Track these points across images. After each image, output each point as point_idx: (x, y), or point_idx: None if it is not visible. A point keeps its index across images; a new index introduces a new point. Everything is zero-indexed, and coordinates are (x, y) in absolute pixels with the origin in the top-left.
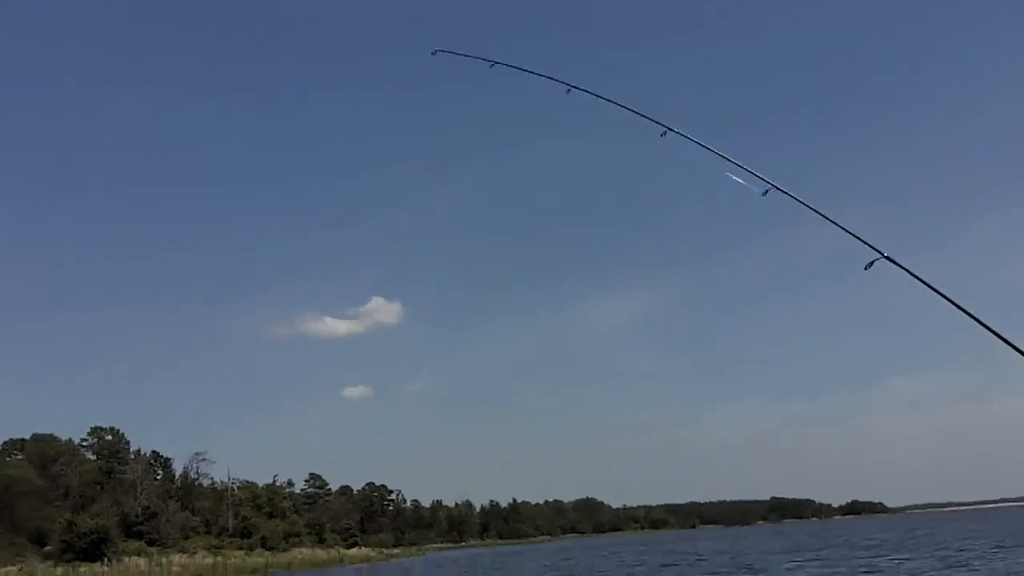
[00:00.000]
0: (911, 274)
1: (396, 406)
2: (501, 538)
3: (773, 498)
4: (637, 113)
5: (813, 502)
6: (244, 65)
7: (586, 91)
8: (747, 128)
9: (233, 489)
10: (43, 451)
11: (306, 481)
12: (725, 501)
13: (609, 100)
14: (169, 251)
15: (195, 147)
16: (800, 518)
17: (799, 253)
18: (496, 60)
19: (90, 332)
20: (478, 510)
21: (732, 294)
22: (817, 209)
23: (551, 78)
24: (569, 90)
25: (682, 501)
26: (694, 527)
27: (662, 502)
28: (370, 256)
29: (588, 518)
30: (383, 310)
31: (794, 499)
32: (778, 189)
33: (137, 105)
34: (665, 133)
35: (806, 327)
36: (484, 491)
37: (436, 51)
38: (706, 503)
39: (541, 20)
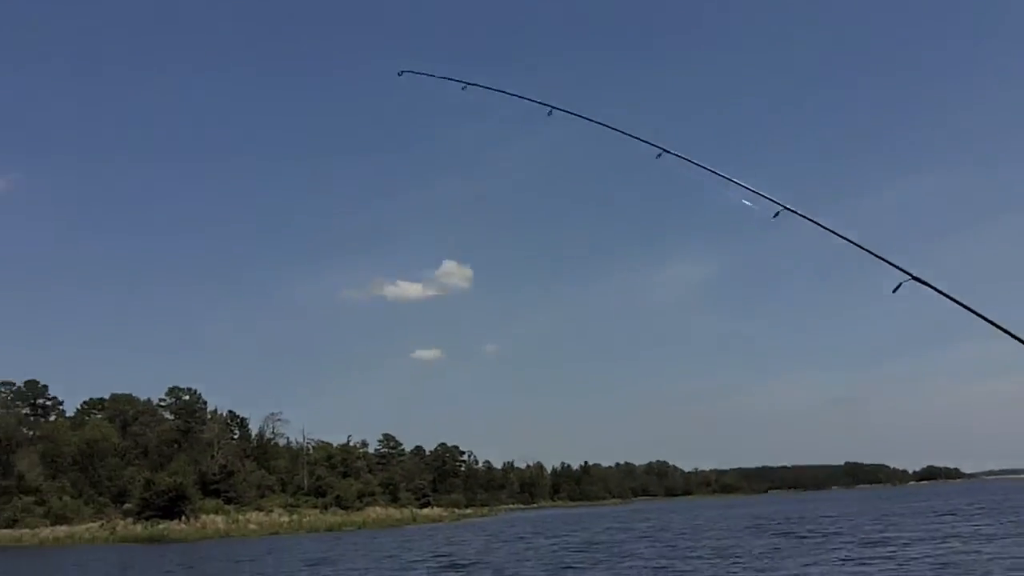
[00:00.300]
0: (941, 293)
1: (467, 369)
2: (572, 500)
3: (847, 463)
4: (628, 135)
5: (888, 467)
6: (302, 43)
7: (568, 112)
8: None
9: (308, 449)
10: (122, 411)
11: (379, 441)
12: (798, 466)
13: (595, 121)
14: (247, 217)
15: (274, 120)
16: (874, 483)
17: (874, 213)
18: (468, 81)
19: (167, 295)
20: (549, 472)
21: (806, 257)
22: (835, 231)
23: (530, 100)
24: (551, 112)
25: (754, 466)
26: (766, 492)
27: (734, 466)
28: (442, 220)
29: (659, 481)
30: (455, 274)
31: (868, 464)
32: (790, 211)
33: (225, 85)
34: (660, 155)
35: (881, 291)
36: (555, 453)
37: (402, 72)
38: (779, 468)
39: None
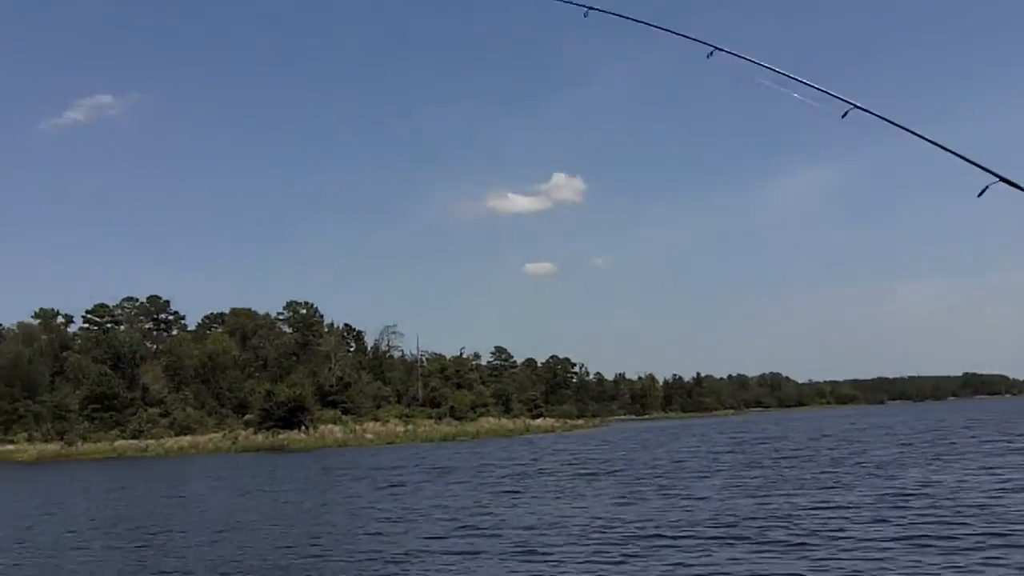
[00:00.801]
0: None
1: (579, 281)
2: (684, 411)
3: (966, 374)
4: (675, 33)
5: (1007, 378)
6: None
7: (606, 11)
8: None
9: (422, 361)
10: (242, 324)
11: (492, 354)
12: (915, 377)
13: (637, 20)
14: (360, 134)
15: (402, 37)
16: (993, 395)
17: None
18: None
19: (285, 210)
20: (661, 383)
21: (928, 165)
22: (910, 128)
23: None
24: (586, 13)
25: (869, 377)
26: (882, 403)
27: (849, 378)
28: (553, 134)
29: (772, 393)
30: (565, 186)
31: (987, 375)
32: (861, 109)
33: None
34: (712, 53)
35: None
36: (667, 365)
37: None
38: (895, 379)
39: None
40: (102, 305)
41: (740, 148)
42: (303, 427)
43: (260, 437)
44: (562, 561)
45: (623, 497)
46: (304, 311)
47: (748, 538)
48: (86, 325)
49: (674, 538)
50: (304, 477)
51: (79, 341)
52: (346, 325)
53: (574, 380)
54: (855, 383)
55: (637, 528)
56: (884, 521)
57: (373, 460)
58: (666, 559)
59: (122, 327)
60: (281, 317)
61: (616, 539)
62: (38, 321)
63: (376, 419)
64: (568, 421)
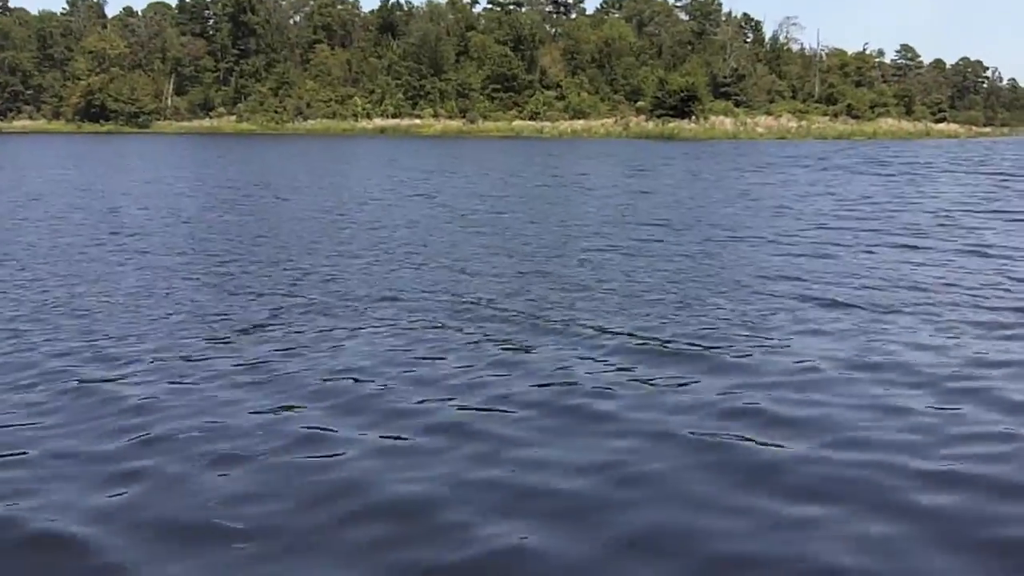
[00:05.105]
0: None
1: None
2: None
3: None
4: None
5: None
6: None
7: None
8: None
9: (821, 55)
10: (639, 10)
11: (896, 52)
12: None
13: None
14: None
15: None
16: None
17: None
18: None
19: None
20: None
21: None
22: None
23: None
24: None
25: None
26: None
27: None
28: None
29: None
30: None
31: None
32: None
33: None
34: None
35: None
36: None
37: None
38: None
39: None
40: None
41: None
42: (694, 117)
43: (651, 125)
44: None
45: None
46: None
47: None
48: (490, 6)
49: None
50: (747, 163)
51: (483, 21)
52: (744, 14)
53: (984, 85)
54: None
55: None
56: None
57: (785, 151)
58: None
59: (523, 8)
60: (679, 4)
61: None
62: (446, 0)
63: (769, 113)
64: (973, 128)
